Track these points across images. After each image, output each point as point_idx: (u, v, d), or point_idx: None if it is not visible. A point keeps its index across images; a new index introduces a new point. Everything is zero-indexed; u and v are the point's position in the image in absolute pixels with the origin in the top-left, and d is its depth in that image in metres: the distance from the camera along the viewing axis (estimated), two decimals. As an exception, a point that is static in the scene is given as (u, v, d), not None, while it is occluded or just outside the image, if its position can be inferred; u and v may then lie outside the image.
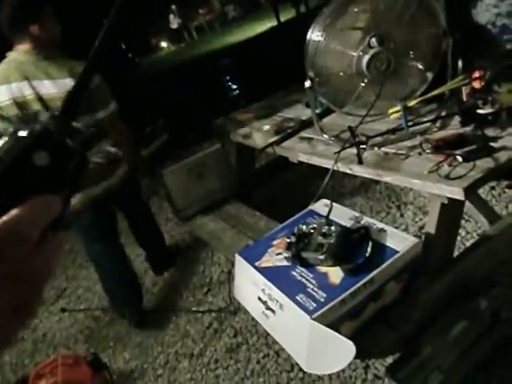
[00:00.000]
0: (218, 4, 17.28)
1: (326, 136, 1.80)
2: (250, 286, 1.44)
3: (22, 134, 0.33)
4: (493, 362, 1.40)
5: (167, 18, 16.02)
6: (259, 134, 2.19)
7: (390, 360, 1.45)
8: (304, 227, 1.40)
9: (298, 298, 1.24)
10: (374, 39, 1.56)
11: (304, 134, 1.99)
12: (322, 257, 1.29)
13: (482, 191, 2.24)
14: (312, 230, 1.37)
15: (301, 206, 1.67)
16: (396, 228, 1.66)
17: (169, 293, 2.57)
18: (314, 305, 1.20)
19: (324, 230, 1.34)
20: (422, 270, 1.35)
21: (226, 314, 2.21)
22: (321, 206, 1.61)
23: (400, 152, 1.50)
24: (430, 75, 1.66)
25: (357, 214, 1.50)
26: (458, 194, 1.23)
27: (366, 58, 1.57)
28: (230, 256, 2.31)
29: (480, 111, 1.43)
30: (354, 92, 1.63)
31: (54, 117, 0.35)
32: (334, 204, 1.53)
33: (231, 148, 2.75)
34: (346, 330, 1.21)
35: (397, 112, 1.64)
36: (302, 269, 1.34)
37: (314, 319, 1.16)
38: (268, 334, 1.81)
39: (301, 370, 1.71)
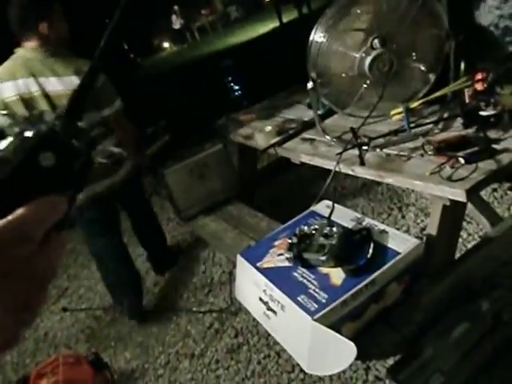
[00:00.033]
0: (220, 5, 17.29)
1: (328, 137, 1.80)
2: (252, 287, 1.44)
3: (28, 134, 0.33)
4: (494, 363, 1.40)
5: (169, 19, 16.03)
6: (261, 135, 2.19)
7: (391, 361, 1.45)
8: (306, 228, 1.40)
9: (299, 298, 1.24)
10: (376, 41, 1.56)
11: (306, 135, 1.99)
12: (323, 258, 1.29)
13: (484, 193, 2.23)
14: (314, 231, 1.37)
15: (302, 206, 1.67)
16: (397, 229, 1.67)
17: (170, 293, 2.57)
18: (316, 306, 1.20)
19: (326, 231, 1.34)
20: (424, 271, 1.35)
21: (227, 314, 2.22)
22: (322, 206, 1.61)
23: (402, 153, 1.50)
24: (432, 77, 1.66)
25: (358, 215, 1.50)
26: (460, 196, 1.23)
27: (369, 59, 1.57)
28: (231, 256, 2.32)
29: (482, 113, 1.43)
30: (357, 93, 1.63)
31: (60, 117, 0.35)
32: (335, 205, 1.53)
33: (233, 148, 2.76)
34: (348, 331, 1.21)
35: (399, 113, 1.64)
36: (304, 270, 1.34)
37: (316, 320, 1.16)
38: (269, 335, 1.82)
39: (302, 370, 1.71)
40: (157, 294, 2.61)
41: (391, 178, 1.44)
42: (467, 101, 1.53)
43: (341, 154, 1.56)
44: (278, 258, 1.44)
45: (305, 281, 1.30)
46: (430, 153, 1.41)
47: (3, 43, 1.96)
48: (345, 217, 1.49)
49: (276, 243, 1.53)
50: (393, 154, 1.53)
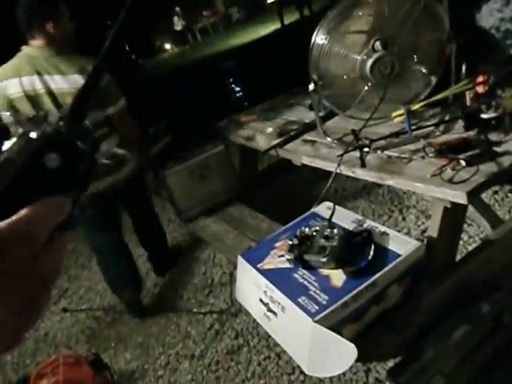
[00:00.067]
0: (221, 6, 17.30)
1: (329, 139, 1.80)
2: (252, 288, 1.45)
3: (33, 135, 0.33)
4: (495, 366, 1.40)
5: (171, 20, 16.05)
6: (262, 137, 2.19)
7: (391, 363, 1.45)
8: (306, 230, 1.40)
9: (299, 300, 1.24)
10: (378, 43, 1.56)
11: (307, 136, 1.99)
12: (324, 259, 1.29)
13: (485, 195, 2.23)
14: (314, 233, 1.37)
15: (303, 208, 1.67)
16: (398, 231, 1.67)
17: (170, 294, 2.57)
18: (316, 307, 1.20)
19: (326, 233, 1.35)
20: (425, 273, 1.35)
21: (227, 315, 2.22)
22: (323, 208, 1.61)
23: (403, 156, 1.50)
24: (433, 79, 1.66)
25: (359, 217, 1.50)
26: (461, 198, 1.23)
27: (370, 61, 1.57)
28: (231, 258, 2.32)
29: (483, 116, 1.43)
30: (358, 95, 1.63)
31: (65, 118, 0.35)
32: (336, 207, 1.53)
33: (234, 150, 2.76)
34: (348, 333, 1.21)
35: (400, 116, 1.64)
36: (305, 271, 1.34)
37: (316, 322, 1.16)
38: (269, 336, 1.82)
39: (302, 372, 1.71)
40: (157, 294, 2.61)
41: (392, 180, 1.45)
42: (468, 103, 1.53)
43: (342, 155, 1.57)
44: (278, 259, 1.44)
45: (305, 282, 1.30)
46: (431, 155, 1.41)
47: (10, 41, 1.98)
48: (346, 218, 1.49)
49: (277, 244, 1.53)
50: (394, 156, 1.53)
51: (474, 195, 1.23)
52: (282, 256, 1.42)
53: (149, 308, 2.49)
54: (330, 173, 1.58)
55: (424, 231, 2.20)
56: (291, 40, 6.70)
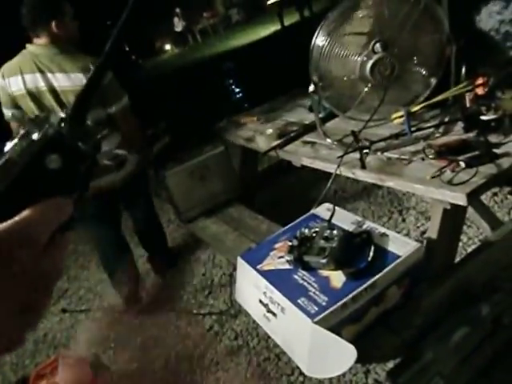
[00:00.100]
0: (222, 7, 17.32)
1: (329, 140, 1.81)
2: (252, 289, 1.45)
3: (35, 137, 0.33)
4: (494, 367, 1.40)
5: (171, 21, 16.07)
6: (262, 138, 2.19)
7: (390, 365, 1.45)
8: (306, 231, 1.40)
9: (299, 301, 1.24)
10: (378, 44, 1.57)
11: (307, 137, 1.99)
12: (323, 261, 1.29)
13: (485, 197, 2.24)
14: (314, 234, 1.38)
15: (303, 209, 1.67)
16: (398, 233, 1.66)
17: (170, 294, 2.57)
18: (316, 308, 1.20)
19: (326, 234, 1.35)
20: (424, 275, 1.35)
21: (226, 316, 2.22)
22: (323, 209, 1.61)
23: (403, 157, 1.50)
24: (433, 81, 1.67)
25: (359, 219, 1.50)
26: (461, 200, 1.23)
27: (370, 63, 1.58)
28: (231, 259, 2.32)
29: (483, 117, 1.44)
30: (358, 97, 1.63)
31: (66, 119, 0.35)
32: (336, 208, 1.53)
33: (234, 151, 2.76)
34: (348, 334, 1.21)
35: (400, 117, 1.64)
36: (304, 272, 1.34)
37: (316, 323, 1.16)
38: (269, 337, 1.82)
39: (301, 373, 1.71)
40: (157, 295, 2.61)
41: (392, 182, 1.45)
42: (468, 105, 1.53)
43: (342, 157, 1.57)
44: (278, 260, 1.44)
45: (305, 283, 1.30)
46: (430, 156, 1.42)
47: (16, 40, 2.00)
48: (345, 220, 1.49)
49: (276, 246, 1.53)
50: (394, 157, 1.53)
51: (473, 197, 1.23)
52: (282, 257, 1.43)
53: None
54: (329, 174, 1.58)
55: (423, 232, 2.20)
56: (291, 41, 6.71)
